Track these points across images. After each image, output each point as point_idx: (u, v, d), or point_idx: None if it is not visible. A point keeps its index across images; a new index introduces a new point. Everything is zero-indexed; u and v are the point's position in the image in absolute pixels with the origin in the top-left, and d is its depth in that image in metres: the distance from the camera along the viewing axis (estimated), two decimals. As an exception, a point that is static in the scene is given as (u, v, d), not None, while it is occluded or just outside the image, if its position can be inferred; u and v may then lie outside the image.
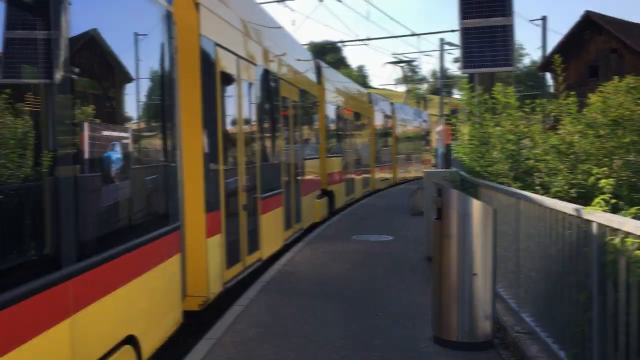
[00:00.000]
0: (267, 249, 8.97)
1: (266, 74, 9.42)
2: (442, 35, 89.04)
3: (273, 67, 9.91)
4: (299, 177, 11.75)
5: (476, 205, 5.29)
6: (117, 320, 4.01)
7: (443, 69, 55.90)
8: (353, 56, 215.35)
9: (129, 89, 4.82)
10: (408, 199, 16.06)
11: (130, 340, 4.15)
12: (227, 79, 7.40)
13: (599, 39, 42.91)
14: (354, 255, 9.78)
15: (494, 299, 5.32)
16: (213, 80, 6.83)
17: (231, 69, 7.52)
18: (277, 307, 6.57)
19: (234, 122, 7.69)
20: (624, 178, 6.82)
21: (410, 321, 6.04)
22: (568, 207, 4.13)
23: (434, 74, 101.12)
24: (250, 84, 8.39)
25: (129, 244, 4.18)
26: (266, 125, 9.46)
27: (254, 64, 8.59)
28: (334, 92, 16.87)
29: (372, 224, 13.80)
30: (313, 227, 13.27)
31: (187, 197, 6.26)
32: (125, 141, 4.35)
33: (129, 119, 4.66)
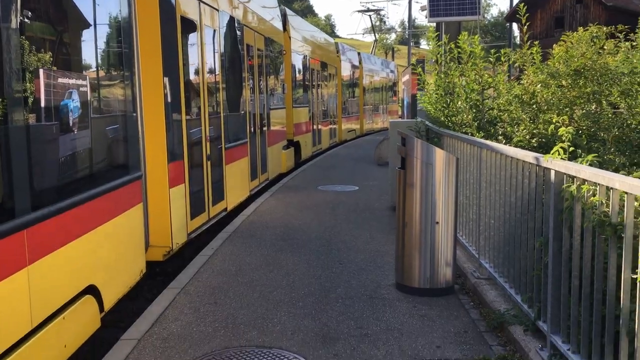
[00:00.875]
0: (232, 199, 8.94)
1: (230, 21, 9.19)
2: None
3: (237, 13, 9.66)
4: (264, 128, 11.64)
5: (439, 154, 5.32)
6: (76, 270, 3.96)
7: (411, 19, 55.49)
8: (320, 5, 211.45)
9: (85, 34, 4.64)
10: (374, 149, 16.11)
11: (91, 291, 4.12)
12: (189, 25, 7.19)
13: (566, -10, 42.90)
14: (320, 205, 9.83)
15: (454, 247, 5.42)
16: (173, 26, 6.63)
17: (193, 14, 7.30)
18: (242, 257, 6.59)
19: (196, 71, 7.51)
20: (584, 127, 6.94)
21: (374, 269, 6.13)
22: (528, 156, 4.17)
23: (402, 24, 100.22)
24: (213, 31, 8.18)
25: (87, 193, 4.10)
26: (230, 74, 9.28)
27: (217, 10, 8.35)
28: (301, 41, 16.60)
29: (338, 174, 13.84)
30: (279, 177, 13.26)
31: (149, 147, 6.15)
32: (82, 89, 4.22)
33: (85, 67, 4.50)
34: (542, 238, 3.89)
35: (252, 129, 10.63)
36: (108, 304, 4.39)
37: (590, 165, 3.39)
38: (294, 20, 16.25)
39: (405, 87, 11.14)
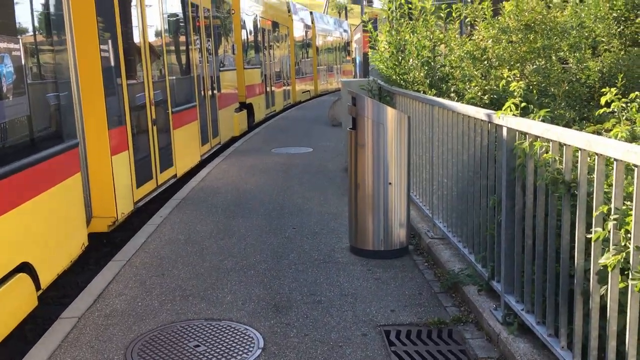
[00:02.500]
0: (182, 165, 8.66)
1: (172, -22, 8.75)
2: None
3: (179, -30, 9.21)
4: (215, 91, 11.29)
5: (390, 113, 5.17)
6: (6, 247, 3.70)
7: (364, -23, 54.80)
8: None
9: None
10: (328, 110, 15.91)
11: (26, 268, 3.87)
12: (126, -17, 6.78)
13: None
14: (273, 168, 9.63)
15: (408, 208, 5.33)
16: (109, -17, 6.22)
17: (130, -28, 6.88)
18: (192, 225, 6.37)
19: (138, 32, 7.13)
20: (535, 83, 6.89)
21: (327, 233, 6.01)
22: (480, 113, 4.06)
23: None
24: (153, -11, 7.76)
25: (14, 164, 3.81)
26: (176, 35, 8.89)
27: (157, -34, 7.91)
28: (251, 0, 16.09)
29: (292, 136, 13.63)
30: (232, 141, 12.97)
31: (87, 114, 5.82)
32: (12, 53, 3.88)
33: (15, 30, 4.14)
34: (494, 196, 3.80)
35: (202, 92, 10.29)
36: (45, 282, 4.14)
37: (543, 121, 3.29)
38: (243, -23, 15.70)
39: (357, 45, 10.95)
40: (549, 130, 2.91)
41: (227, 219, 6.58)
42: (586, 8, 8.42)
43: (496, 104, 6.64)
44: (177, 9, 9.01)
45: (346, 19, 56.04)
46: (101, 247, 6.42)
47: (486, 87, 6.58)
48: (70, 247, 4.74)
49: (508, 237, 3.51)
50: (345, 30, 36.05)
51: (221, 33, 12.40)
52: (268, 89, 17.84)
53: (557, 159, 2.91)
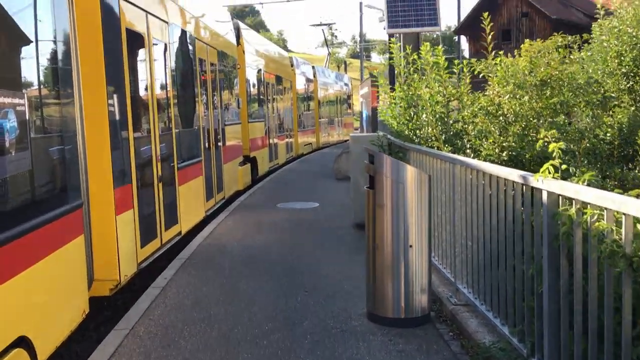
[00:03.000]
0: (186, 222, 8.38)
1: (181, 34, 8.67)
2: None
3: (189, 26, 9.15)
4: (220, 144, 11.11)
5: (410, 172, 4.93)
6: (2, 321, 3.38)
7: (362, 33, 55.71)
8: (272, 20, 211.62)
9: (21, 49, 4.09)
10: (333, 163, 15.74)
11: (22, 342, 3.54)
12: (136, 38, 6.66)
13: (512, 3, 43.82)
14: (280, 224, 9.35)
15: (429, 271, 5.02)
16: (118, 38, 6.09)
17: (140, 27, 6.77)
18: (198, 287, 6.05)
19: (145, 86, 6.97)
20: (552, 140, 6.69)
21: (342, 297, 5.69)
22: (513, 174, 3.82)
23: (353, 39, 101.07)
24: (163, 45, 7.66)
25: (14, 230, 3.53)
26: (183, 89, 8.75)
27: (167, 23, 7.83)
28: (255, 54, 16.15)
29: (297, 190, 13.39)
30: (236, 195, 12.72)
31: (92, 171, 5.58)
32: (18, 108, 3.66)
33: (20, 84, 3.94)
34: (534, 265, 3.52)
35: (207, 146, 10.10)
36: (43, 356, 3.80)
37: (589, 185, 3.04)
38: (248, 33, 15.81)
39: (364, 100, 10.82)
40: (604, 197, 2.66)
41: (234, 280, 6.25)
42: (593, 63, 8.34)
43: (514, 161, 6.45)
44: (184, 63, 8.92)
45: (345, 73, 56.82)
46: (102, 311, 6.08)
47: (504, 144, 6.39)
48: (70, 315, 4.42)
49: (552, 311, 3.21)
50: (345, 84, 36.37)
51: (226, 87, 12.33)
52: (271, 142, 17.73)
53: (613, 229, 2.64)
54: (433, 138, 7.09)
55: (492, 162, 5.99)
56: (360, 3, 51.73)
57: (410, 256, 4.91)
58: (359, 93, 13.09)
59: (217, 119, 11.07)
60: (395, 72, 7.90)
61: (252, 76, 15.64)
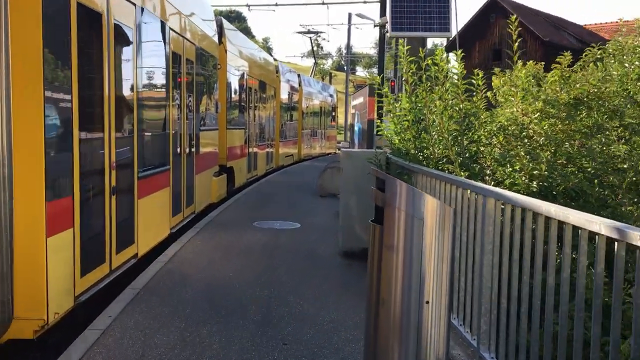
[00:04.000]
0: (145, 242, 7.12)
1: (153, 21, 7.47)
2: (352, 7, 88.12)
3: (163, 15, 7.94)
4: (192, 152, 9.87)
5: (431, 204, 3.77)
6: None
7: (349, 45, 54.92)
8: (258, 27, 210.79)
9: None
10: (317, 179, 14.57)
11: None
12: (91, 17, 5.44)
13: (504, 23, 43.21)
14: (255, 249, 8.12)
15: (448, 336, 3.85)
16: (64, 13, 4.86)
17: (96, 4, 5.55)
18: (149, 333, 4.80)
19: (101, 78, 5.74)
20: (588, 168, 5.60)
21: (331, 352, 4.49)
22: (596, 222, 2.68)
23: (338, 51, 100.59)
24: (128, 30, 6.44)
25: None
26: (150, 86, 7.53)
27: (134, 4, 6.61)
28: (238, 56, 14.96)
29: (277, 206, 12.17)
30: (209, 209, 11.46)
31: (18, 179, 4.34)
32: None
33: None
34: (626, 344, 2.38)
35: (178, 153, 8.86)
36: None
37: None
38: (232, 33, 14.61)
39: (358, 111, 9.71)
40: None
41: (196, 325, 5.01)
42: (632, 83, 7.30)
43: (544, 193, 5.34)
44: (154, 55, 7.70)
45: (331, 84, 55.84)
46: (28, 351, 4.80)
47: (534, 172, 5.27)
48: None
49: None
50: (331, 95, 35.35)
51: (204, 88, 11.11)
52: (251, 151, 16.51)
53: None
54: (444, 160, 5.96)
55: (518, 192, 4.88)
56: (350, 14, 50.94)
57: (425, 315, 3.72)
58: (350, 104, 11.91)
59: (192, 124, 9.84)
60: (404, 79, 6.79)
61: (233, 79, 14.44)
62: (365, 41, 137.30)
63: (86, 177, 5.26)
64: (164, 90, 8.01)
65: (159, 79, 7.84)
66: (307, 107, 28.07)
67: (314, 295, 6.01)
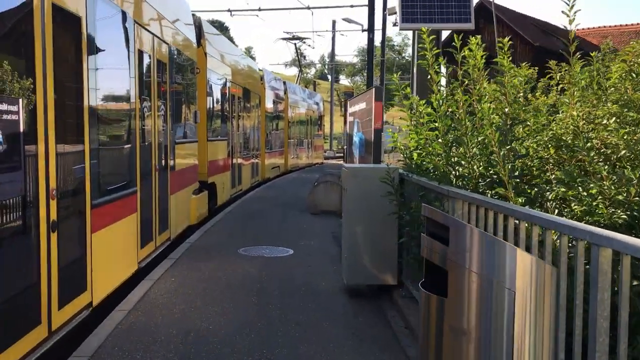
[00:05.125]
0: (103, 286, 5.66)
1: (113, 12, 6.05)
2: (338, 12, 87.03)
3: (127, 4, 6.52)
4: (166, 168, 8.43)
5: (523, 262, 2.39)
6: None
7: (334, 52, 53.81)
8: (241, 36, 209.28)
9: None
10: (308, 195, 13.16)
11: None
12: (19, 5, 4.02)
13: (492, 28, 42.33)
14: (242, 286, 6.69)
15: None
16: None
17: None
18: None
19: (34, 76, 4.31)
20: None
21: None
22: None
23: (322, 59, 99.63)
24: (70, 16, 5.01)
25: None
26: (109, 90, 6.10)
27: (84, -13, 5.19)
28: (219, 60, 13.55)
29: (265, 228, 10.74)
30: (189, 229, 10.01)
31: None
32: None
33: None
34: None
35: (148, 171, 7.42)
36: None
37: None
38: (213, 36, 13.20)
39: (358, 119, 8.29)
40: None
41: (160, 420, 3.57)
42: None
43: (633, 225, 3.98)
44: (116, 54, 6.29)
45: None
46: None
47: (619, 197, 3.91)
48: None
49: None
50: (317, 103, 34.02)
51: (181, 95, 9.68)
52: (235, 164, 15.07)
53: None
54: (484, 180, 4.60)
55: (598, 224, 3.53)
56: (334, 21, 50.07)
57: None
58: (347, 110, 10.59)
59: (165, 135, 8.40)
60: (429, 77, 5.42)
61: (215, 86, 13.02)
62: (349, 49, 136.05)
63: (5, 214, 3.81)
64: (127, 96, 6.58)
65: (121, 82, 6.41)
66: (293, 116, 26.71)
67: (315, 354, 4.59)
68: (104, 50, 5.77)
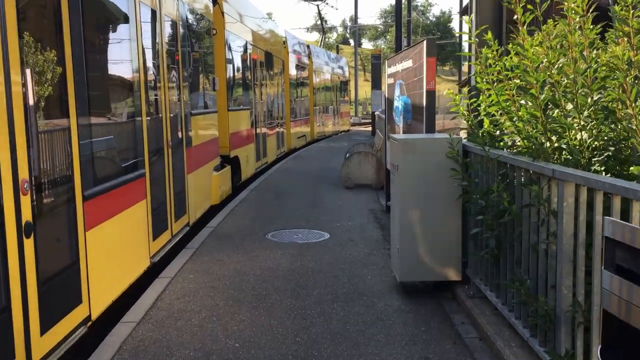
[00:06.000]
0: (103, 295, 4.60)
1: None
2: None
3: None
4: (181, 143, 7.32)
5: None
6: None
7: (357, 14, 51.84)
8: (260, 1, 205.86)
9: None
10: (341, 167, 11.98)
11: None
12: None
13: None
14: (273, 283, 5.60)
15: None
16: None
17: None
18: None
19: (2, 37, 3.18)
20: None
21: None
22: None
23: (343, 23, 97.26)
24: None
25: None
26: (99, 48, 4.96)
27: None
28: (239, 21, 12.30)
29: (294, 207, 9.62)
30: (211, 211, 8.96)
31: None
32: None
33: None
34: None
35: (158, 148, 6.32)
36: None
37: None
38: (230, -9, 11.91)
39: (402, 80, 7.03)
40: None
41: None
42: None
43: None
44: (114, 8, 5.13)
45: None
46: None
47: None
48: None
49: None
50: (341, 67, 32.54)
51: (195, 59, 8.51)
52: (259, 135, 13.92)
53: None
54: (596, 154, 3.37)
55: None
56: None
57: None
58: (383, 70, 9.35)
59: (179, 106, 7.26)
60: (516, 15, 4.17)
61: (234, 49, 11.80)
62: (371, 11, 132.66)
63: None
64: (127, 58, 5.43)
65: (118, 40, 5.27)
66: (318, 81, 25.40)
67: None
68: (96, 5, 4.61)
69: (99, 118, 4.67)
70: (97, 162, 4.59)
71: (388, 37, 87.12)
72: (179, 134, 7.24)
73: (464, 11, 42.28)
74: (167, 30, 6.80)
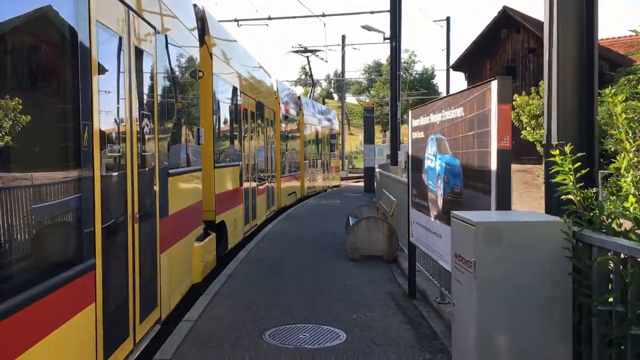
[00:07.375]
0: None
1: None
2: (351, 23, 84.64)
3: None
4: (153, 215, 5.51)
5: None
6: None
7: (344, 68, 51.06)
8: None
9: None
10: (347, 235, 10.18)
11: None
12: None
13: (517, 37, 39.60)
14: None
15: None
16: None
17: None
18: None
19: None
20: None
21: None
22: None
23: (327, 78, 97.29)
24: None
25: None
26: (48, 87, 3.21)
27: None
28: (228, 64, 10.69)
29: (295, 287, 7.76)
30: (190, 293, 7.07)
31: None
32: None
33: None
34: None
35: (117, 225, 4.51)
36: None
37: None
38: (219, 30, 10.35)
39: (442, 135, 5.31)
40: None
41: None
42: None
43: None
44: (67, 35, 3.42)
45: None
46: None
47: None
48: None
49: None
50: (332, 120, 31.16)
51: (177, 106, 6.79)
52: (248, 194, 12.14)
53: None
54: None
55: None
56: (343, 36, 47.27)
57: None
58: (408, 124, 7.80)
59: (151, 163, 5.49)
60: None
61: (223, 96, 10.16)
62: (355, 67, 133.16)
63: None
64: (71, 95, 3.68)
65: (56, 71, 3.52)
66: (309, 134, 23.90)
67: None
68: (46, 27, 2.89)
69: (17, 181, 2.89)
70: (15, 263, 2.78)
71: (372, 91, 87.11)
72: (151, 200, 5.44)
73: (457, 67, 41.54)
74: (139, 64, 5.09)
